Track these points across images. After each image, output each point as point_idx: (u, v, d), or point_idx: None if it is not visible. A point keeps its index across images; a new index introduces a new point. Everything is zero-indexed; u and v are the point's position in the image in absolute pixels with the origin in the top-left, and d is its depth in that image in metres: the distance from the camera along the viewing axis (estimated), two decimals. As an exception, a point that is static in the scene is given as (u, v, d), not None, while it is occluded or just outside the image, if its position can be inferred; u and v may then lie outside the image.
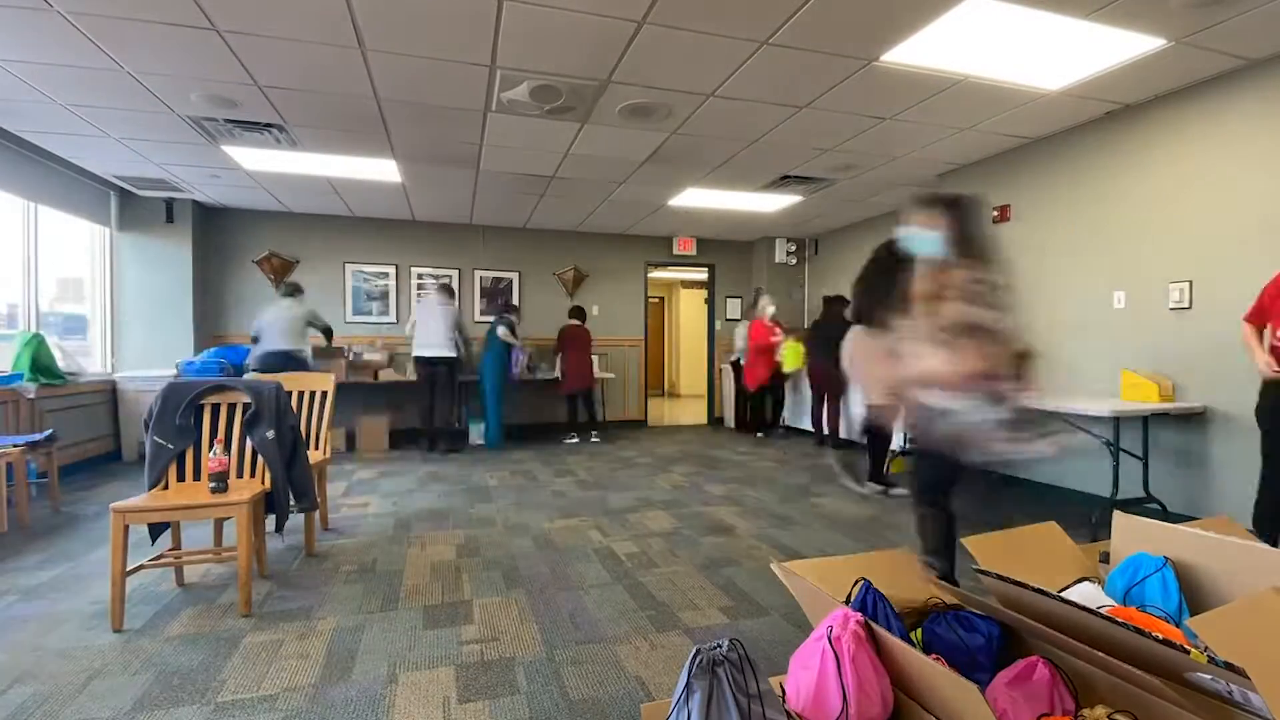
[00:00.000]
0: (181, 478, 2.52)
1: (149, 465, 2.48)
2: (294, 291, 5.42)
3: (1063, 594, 1.46)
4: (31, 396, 4.10)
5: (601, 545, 3.19)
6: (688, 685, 1.13)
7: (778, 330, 6.85)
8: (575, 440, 6.72)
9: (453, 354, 5.81)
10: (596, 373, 6.87)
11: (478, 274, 7.26)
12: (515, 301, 7.31)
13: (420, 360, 5.80)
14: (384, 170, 5.02)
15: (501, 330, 6.13)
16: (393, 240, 6.95)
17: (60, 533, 3.33)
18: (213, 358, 5.42)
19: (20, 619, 2.30)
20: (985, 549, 1.65)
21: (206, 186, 5.57)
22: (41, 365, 4.31)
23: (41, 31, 2.89)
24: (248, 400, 2.60)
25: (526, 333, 7.35)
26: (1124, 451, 3.49)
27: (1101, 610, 1.32)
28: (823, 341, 5.89)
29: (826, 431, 6.14)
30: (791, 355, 6.70)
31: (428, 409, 5.90)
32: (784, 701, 1.31)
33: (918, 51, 3.05)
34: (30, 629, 2.22)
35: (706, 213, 6.62)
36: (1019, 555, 1.64)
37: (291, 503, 2.65)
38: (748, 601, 2.48)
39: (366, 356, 6.48)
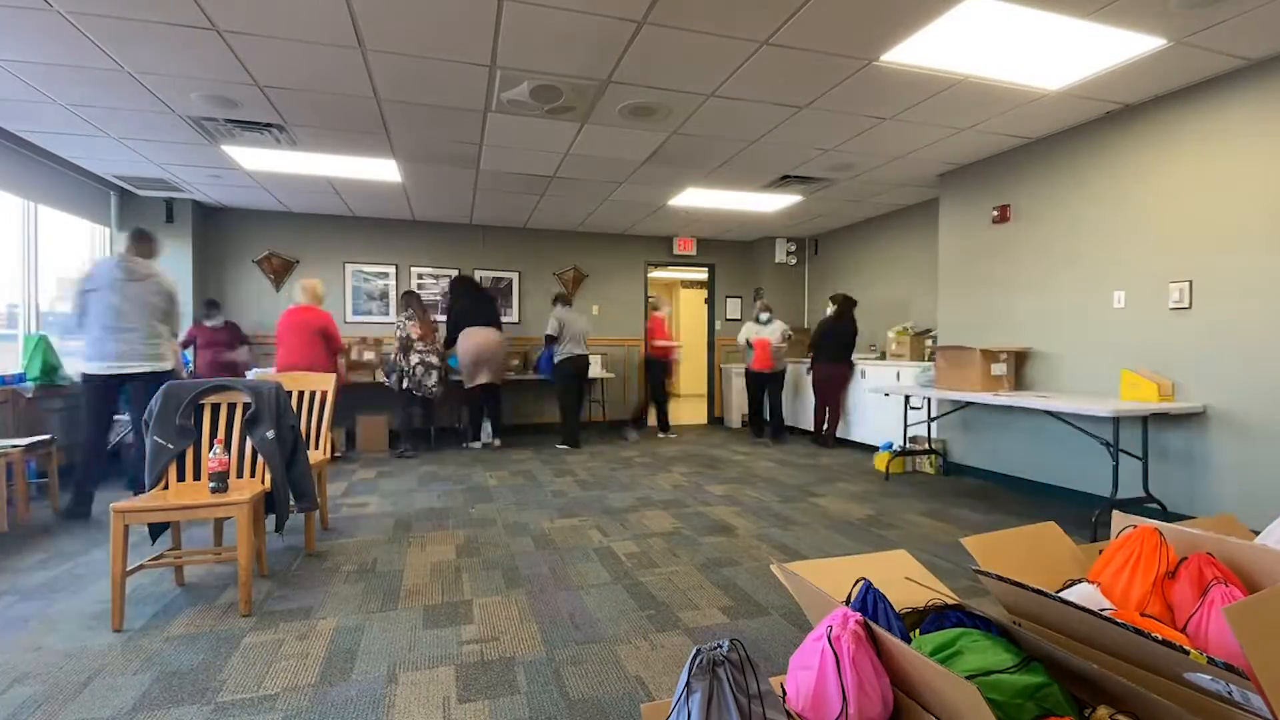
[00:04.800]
0: (182, 478, 2.52)
1: (149, 465, 2.48)
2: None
3: (1061, 594, 1.46)
4: (30, 396, 4.11)
5: (601, 545, 3.19)
6: (687, 685, 1.13)
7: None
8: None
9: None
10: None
11: (478, 274, 7.26)
12: (515, 301, 7.32)
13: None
14: (384, 170, 5.02)
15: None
16: (393, 240, 6.96)
17: (60, 533, 3.33)
18: None
19: (20, 619, 2.30)
20: (984, 549, 1.65)
21: (207, 186, 5.58)
22: (49, 366, 4.32)
23: (42, 31, 2.88)
24: (248, 400, 2.60)
25: (534, 332, 7.36)
26: (1124, 452, 3.49)
27: (1104, 612, 1.32)
28: (834, 341, 6.14)
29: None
30: None
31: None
32: (784, 701, 1.31)
33: (917, 51, 3.05)
34: (30, 629, 2.22)
35: (707, 213, 6.62)
36: (1018, 555, 1.64)
37: (291, 503, 2.65)
38: (748, 601, 2.48)
39: (366, 356, 6.48)
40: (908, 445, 5.17)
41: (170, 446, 2.51)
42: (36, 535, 3.29)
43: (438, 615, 2.35)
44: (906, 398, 4.99)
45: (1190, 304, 3.46)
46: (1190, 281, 3.46)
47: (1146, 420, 3.55)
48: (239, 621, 2.28)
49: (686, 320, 11.98)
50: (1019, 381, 4.43)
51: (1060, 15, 2.73)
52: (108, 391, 3.61)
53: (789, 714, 1.25)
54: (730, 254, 8.32)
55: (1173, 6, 2.67)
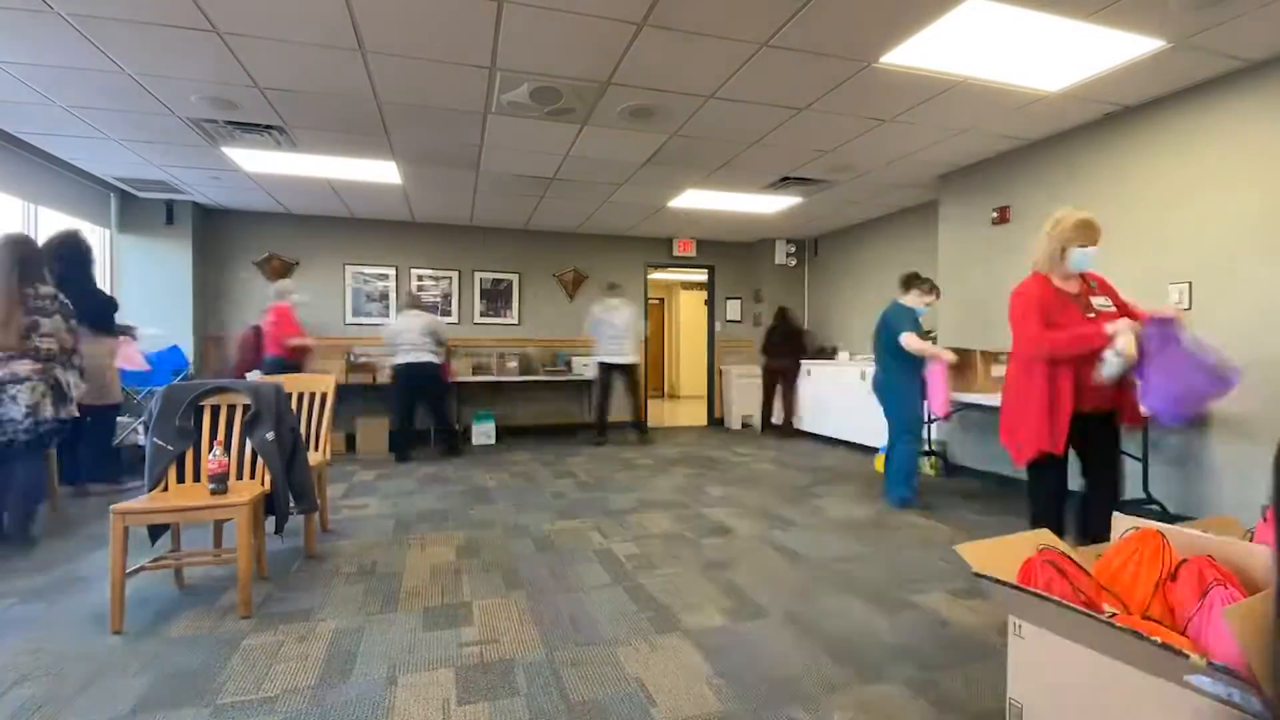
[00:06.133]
0: (181, 479, 2.52)
1: (149, 467, 2.48)
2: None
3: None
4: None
5: (601, 547, 3.18)
6: None
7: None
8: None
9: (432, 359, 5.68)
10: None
11: (478, 275, 7.26)
12: (514, 303, 7.34)
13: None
14: (384, 172, 5.02)
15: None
16: (393, 241, 6.96)
17: (60, 535, 3.33)
18: None
19: (20, 621, 2.30)
20: (978, 555, 1.65)
21: (207, 188, 5.58)
22: None
23: (42, 34, 2.89)
24: (248, 402, 2.60)
25: (533, 334, 7.37)
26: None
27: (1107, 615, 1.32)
28: (782, 341, 7.06)
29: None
30: None
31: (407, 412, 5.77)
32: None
33: (917, 53, 3.05)
34: (30, 630, 2.22)
35: (706, 214, 6.62)
36: (1013, 560, 1.63)
37: (291, 504, 2.65)
38: (748, 603, 2.47)
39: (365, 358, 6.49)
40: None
41: (170, 448, 2.50)
42: (36, 537, 3.28)
43: (437, 617, 2.34)
44: (906, 399, 4.98)
45: (1190, 305, 3.46)
46: (1190, 283, 3.46)
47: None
48: (239, 623, 2.28)
49: (686, 321, 11.99)
50: (1019, 383, 4.42)
51: (1059, 17, 2.73)
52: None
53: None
54: (730, 255, 8.32)
55: (1173, 8, 2.68)
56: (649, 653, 2.07)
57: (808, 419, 7.04)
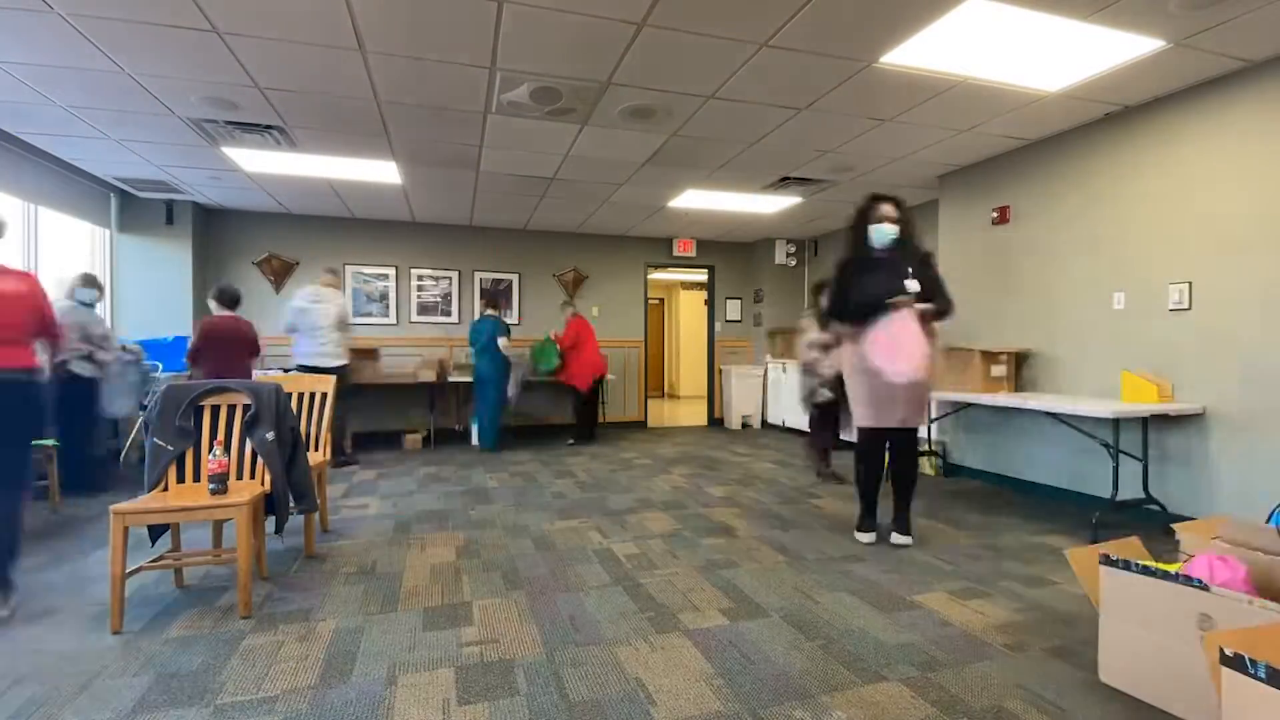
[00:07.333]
0: (181, 479, 2.52)
1: (149, 467, 2.48)
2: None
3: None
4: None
5: (601, 547, 3.18)
6: None
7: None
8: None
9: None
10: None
11: (478, 275, 7.26)
12: (513, 302, 7.34)
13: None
14: (384, 172, 5.02)
15: (502, 341, 5.98)
16: (393, 241, 6.96)
17: (60, 534, 3.33)
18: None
19: (19, 621, 2.30)
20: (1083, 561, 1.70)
21: (207, 188, 5.58)
22: None
23: (42, 33, 2.89)
24: (248, 402, 2.60)
25: (533, 334, 7.35)
26: (1124, 453, 3.48)
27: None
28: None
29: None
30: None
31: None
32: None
33: (917, 53, 3.05)
34: (29, 631, 2.22)
35: (706, 214, 6.63)
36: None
37: (291, 504, 2.65)
38: (748, 603, 2.47)
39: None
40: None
41: (170, 448, 2.50)
42: (36, 537, 3.28)
43: (437, 617, 2.34)
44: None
45: (1190, 305, 3.46)
46: (1190, 283, 3.46)
47: (1146, 421, 3.54)
48: (238, 623, 2.28)
49: (686, 321, 11.99)
50: (1019, 383, 4.42)
51: (1059, 17, 2.73)
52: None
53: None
54: (730, 255, 8.33)
55: (1172, 8, 2.68)
56: (649, 653, 2.07)
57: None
